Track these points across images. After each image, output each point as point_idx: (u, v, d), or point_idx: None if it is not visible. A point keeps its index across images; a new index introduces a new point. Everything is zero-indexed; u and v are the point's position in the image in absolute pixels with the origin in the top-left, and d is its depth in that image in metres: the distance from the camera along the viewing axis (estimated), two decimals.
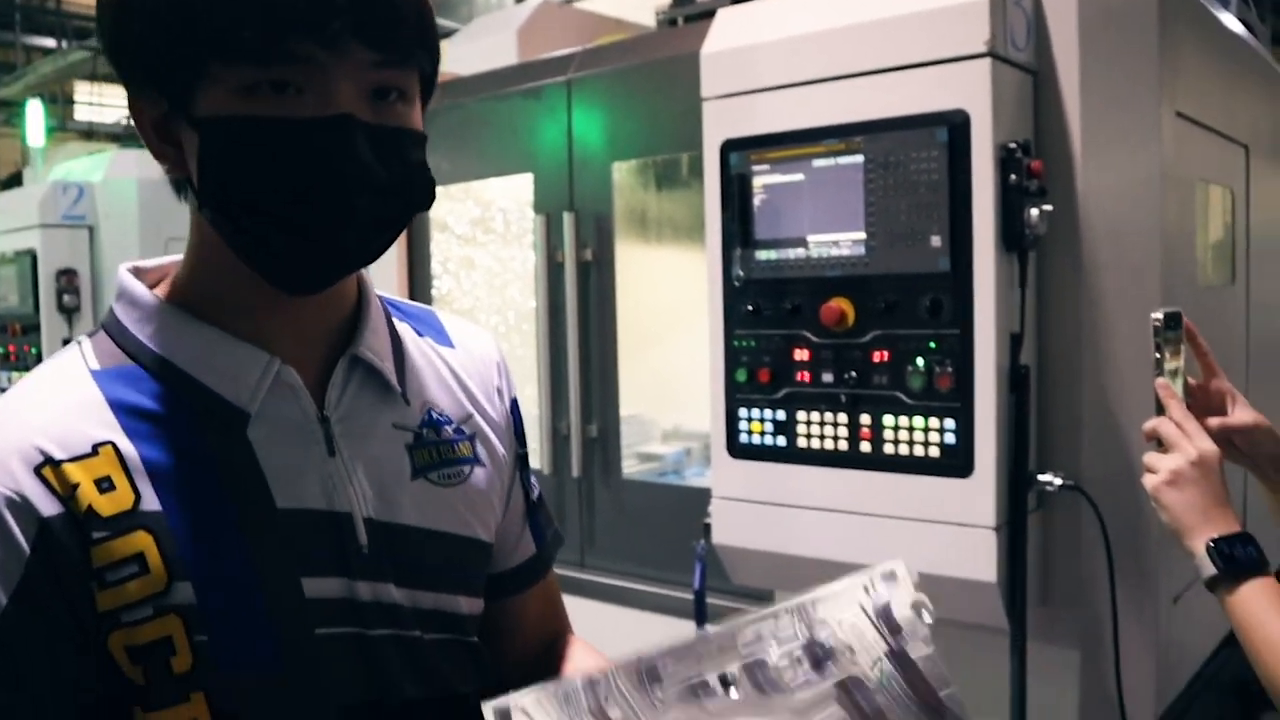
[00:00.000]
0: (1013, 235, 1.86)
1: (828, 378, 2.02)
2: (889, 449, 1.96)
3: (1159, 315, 1.44)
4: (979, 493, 1.88)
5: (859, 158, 1.95)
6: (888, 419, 1.96)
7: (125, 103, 0.91)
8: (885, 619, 0.87)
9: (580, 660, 1.09)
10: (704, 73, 2.16)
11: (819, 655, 0.84)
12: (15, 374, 5.35)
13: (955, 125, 1.85)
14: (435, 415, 1.01)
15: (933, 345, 1.90)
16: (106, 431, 0.85)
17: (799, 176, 2.03)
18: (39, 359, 5.17)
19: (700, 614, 2.31)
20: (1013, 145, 1.85)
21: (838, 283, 1.99)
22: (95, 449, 0.84)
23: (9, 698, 0.81)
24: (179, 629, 0.83)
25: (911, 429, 1.93)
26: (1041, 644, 1.99)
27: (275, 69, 0.80)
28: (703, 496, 2.28)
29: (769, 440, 2.11)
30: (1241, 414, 1.45)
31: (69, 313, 5.27)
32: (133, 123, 0.90)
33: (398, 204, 0.88)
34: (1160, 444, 1.38)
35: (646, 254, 3.03)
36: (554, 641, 1.15)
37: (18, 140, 12.19)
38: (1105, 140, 1.95)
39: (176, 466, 0.85)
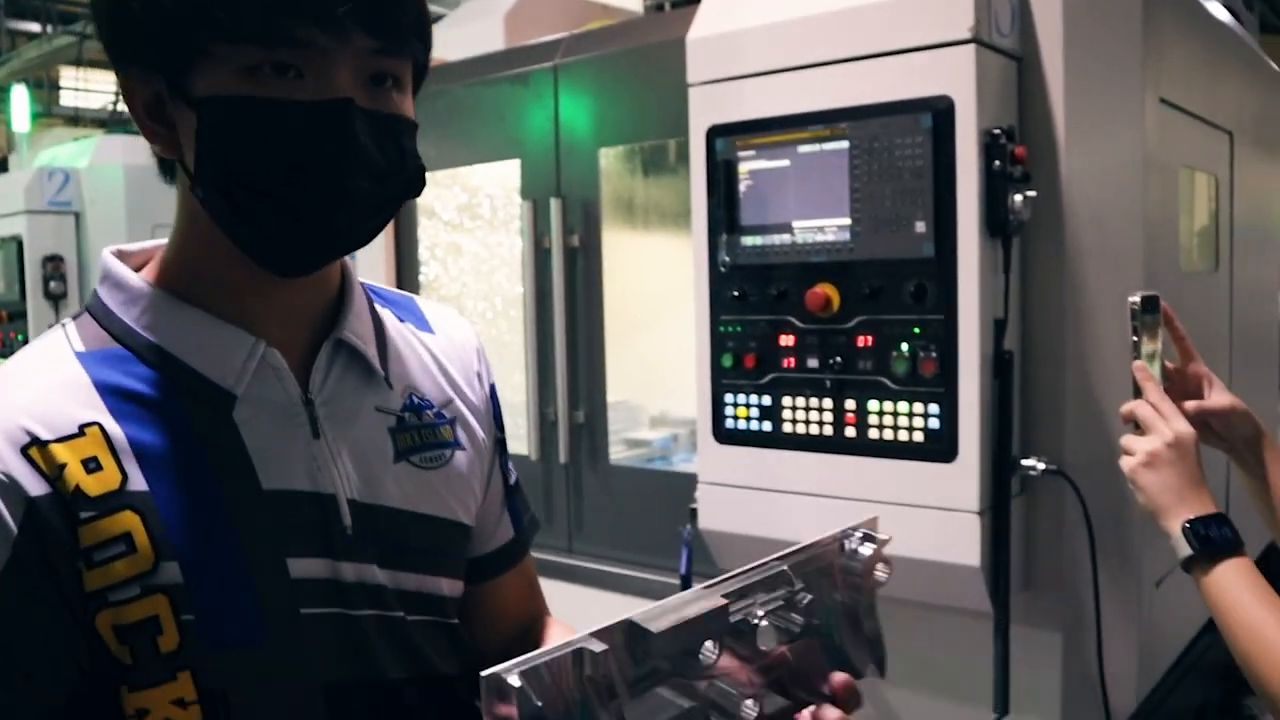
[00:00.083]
0: (997, 221, 1.88)
1: (813, 363, 2.03)
2: (873, 434, 1.97)
3: (1136, 299, 1.45)
4: (963, 477, 1.89)
5: (844, 143, 1.96)
6: (872, 404, 1.97)
7: (111, 88, 0.92)
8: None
9: (559, 641, 1.10)
10: (690, 58, 2.16)
11: (801, 613, 0.86)
12: (1, 360, 5.32)
13: (940, 111, 1.86)
14: (417, 399, 1.02)
15: (917, 331, 1.91)
16: (92, 413, 0.85)
17: (784, 162, 2.03)
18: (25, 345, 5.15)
19: None
20: (997, 131, 1.86)
21: (823, 268, 2.00)
22: (82, 429, 0.84)
23: None
24: (166, 608, 0.84)
25: (896, 414, 1.95)
26: (1025, 628, 2.00)
27: (279, 51, 0.81)
28: (690, 482, 2.29)
29: (755, 425, 2.12)
30: (1218, 398, 1.46)
31: (56, 299, 5.25)
32: (123, 102, 0.90)
33: (391, 189, 0.89)
34: (1137, 426, 1.39)
35: (633, 240, 3.02)
36: (532, 624, 1.16)
37: (3, 126, 12.09)
38: (1089, 126, 1.96)
39: (163, 447, 0.86)
